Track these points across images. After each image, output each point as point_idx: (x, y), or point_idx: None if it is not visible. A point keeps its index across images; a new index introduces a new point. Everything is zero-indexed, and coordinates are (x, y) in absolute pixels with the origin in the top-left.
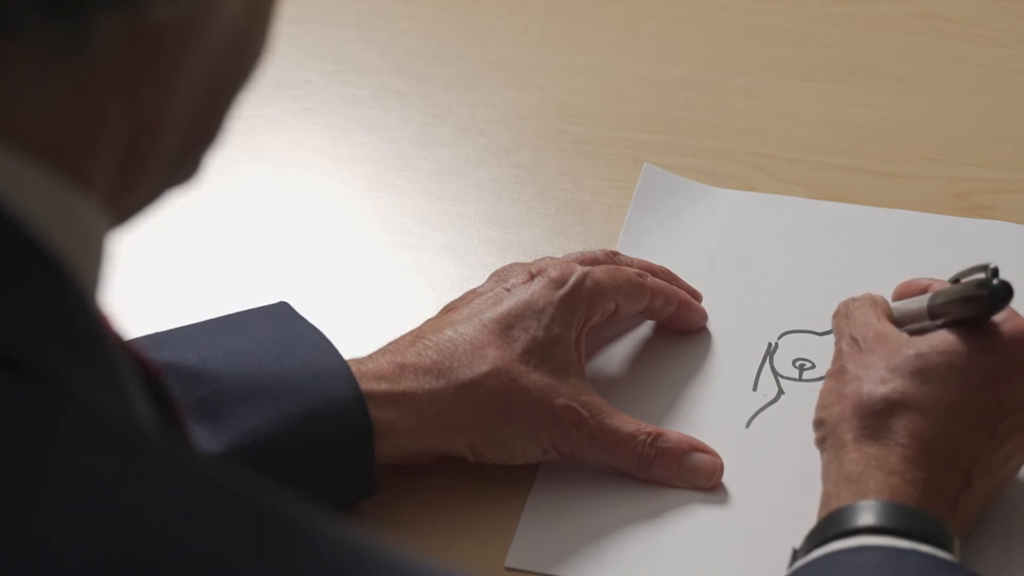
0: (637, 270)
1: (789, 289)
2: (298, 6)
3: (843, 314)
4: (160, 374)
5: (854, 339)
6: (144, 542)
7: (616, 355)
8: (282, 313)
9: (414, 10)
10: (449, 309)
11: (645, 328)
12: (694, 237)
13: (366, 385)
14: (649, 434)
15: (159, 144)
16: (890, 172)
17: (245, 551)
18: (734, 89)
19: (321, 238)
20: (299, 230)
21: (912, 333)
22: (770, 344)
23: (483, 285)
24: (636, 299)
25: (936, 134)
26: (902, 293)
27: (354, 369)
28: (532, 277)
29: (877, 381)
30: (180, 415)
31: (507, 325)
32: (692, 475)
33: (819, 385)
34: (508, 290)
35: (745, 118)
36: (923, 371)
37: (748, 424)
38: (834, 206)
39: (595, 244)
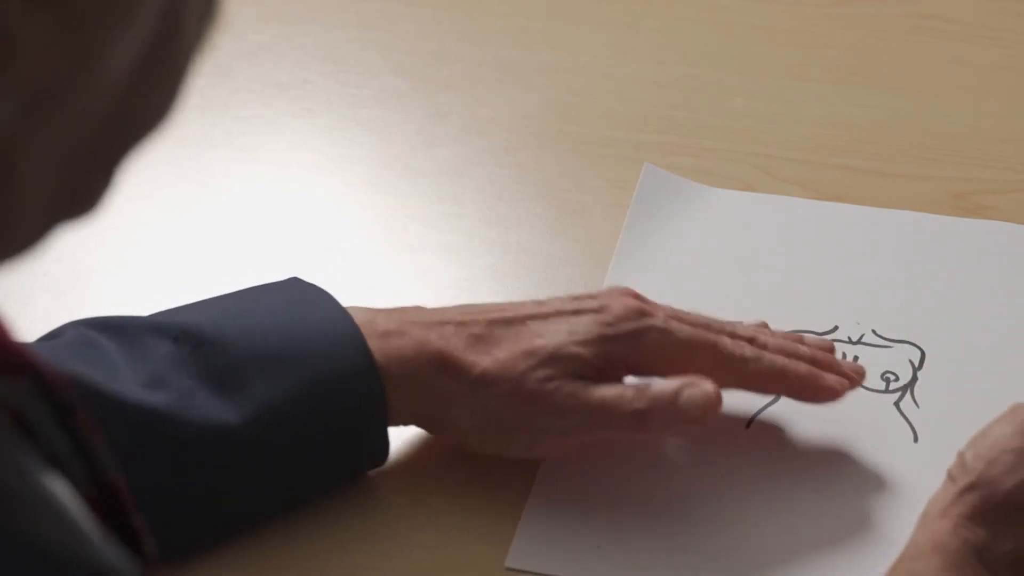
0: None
1: (789, 289)
2: (298, 6)
3: None
4: (63, 386)
5: None
6: None
7: None
8: (293, 283)
9: (414, 10)
10: (514, 314)
11: None
12: (694, 237)
13: (381, 360)
14: (637, 388)
15: (14, 211)
16: (890, 172)
17: None
18: (734, 89)
19: (321, 238)
20: (299, 230)
21: None
22: None
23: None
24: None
25: (936, 134)
26: None
27: (369, 332)
28: (598, 312)
29: None
30: (86, 424)
31: (545, 344)
32: (690, 410)
33: None
34: (577, 307)
35: (745, 118)
36: None
37: (748, 424)
38: (834, 206)
39: (595, 244)
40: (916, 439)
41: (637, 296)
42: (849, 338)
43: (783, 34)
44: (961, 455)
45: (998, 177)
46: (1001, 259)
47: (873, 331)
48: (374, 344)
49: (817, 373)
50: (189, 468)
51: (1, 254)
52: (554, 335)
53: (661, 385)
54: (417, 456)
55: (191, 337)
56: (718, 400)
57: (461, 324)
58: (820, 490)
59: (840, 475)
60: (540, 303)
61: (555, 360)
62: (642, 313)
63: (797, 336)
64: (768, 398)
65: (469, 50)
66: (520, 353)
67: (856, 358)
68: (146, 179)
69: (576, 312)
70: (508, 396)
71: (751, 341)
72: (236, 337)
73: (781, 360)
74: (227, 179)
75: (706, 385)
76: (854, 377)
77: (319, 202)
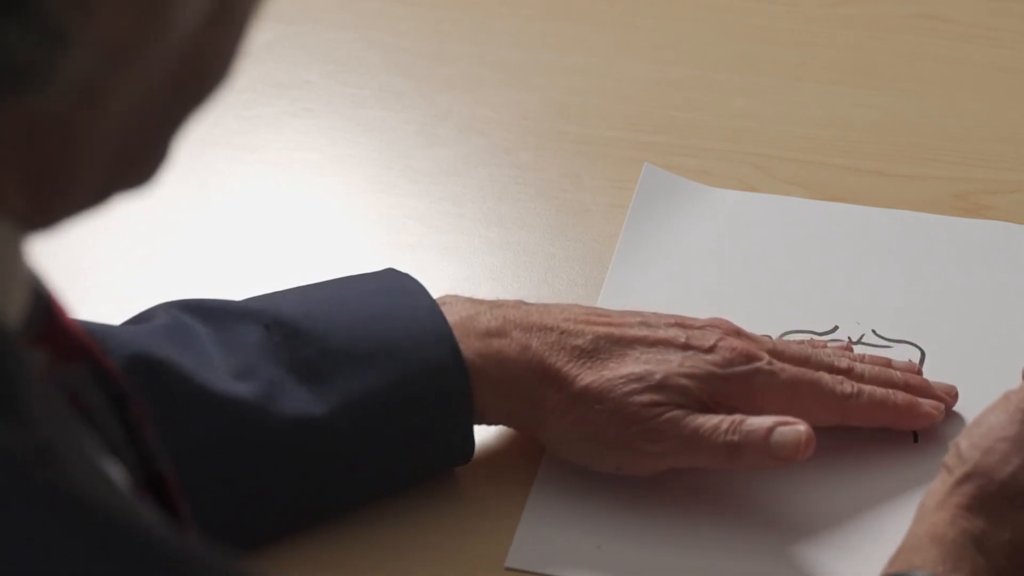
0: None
1: (789, 289)
2: (298, 6)
3: None
4: (119, 375)
5: None
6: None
7: None
8: (388, 274)
9: (414, 10)
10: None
11: None
12: (694, 237)
13: (471, 357)
14: (732, 421)
15: (78, 171)
16: (890, 172)
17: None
18: (734, 89)
19: (321, 238)
20: (299, 230)
21: None
22: None
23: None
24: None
25: (936, 134)
26: None
27: (470, 330)
28: (710, 350)
29: None
30: (141, 418)
31: (647, 365)
32: (778, 451)
33: None
34: (679, 324)
35: (745, 118)
36: None
37: None
38: (834, 206)
39: (595, 244)
40: (916, 439)
41: (740, 332)
42: (849, 338)
43: (783, 34)
44: (956, 445)
45: (998, 177)
46: (1001, 259)
47: (873, 331)
48: (474, 343)
49: (915, 402)
50: (273, 458)
51: (59, 214)
52: (662, 363)
53: (756, 421)
54: None
55: (282, 326)
56: (810, 442)
57: (565, 332)
58: (820, 490)
59: (840, 475)
60: (646, 323)
61: (662, 388)
62: (750, 357)
63: (885, 360)
64: None
65: (469, 50)
66: (627, 376)
67: None
68: None
69: (686, 347)
70: (608, 415)
71: (848, 372)
72: (326, 328)
73: (880, 393)
74: (228, 179)
75: (799, 426)
76: (947, 399)
77: (319, 202)
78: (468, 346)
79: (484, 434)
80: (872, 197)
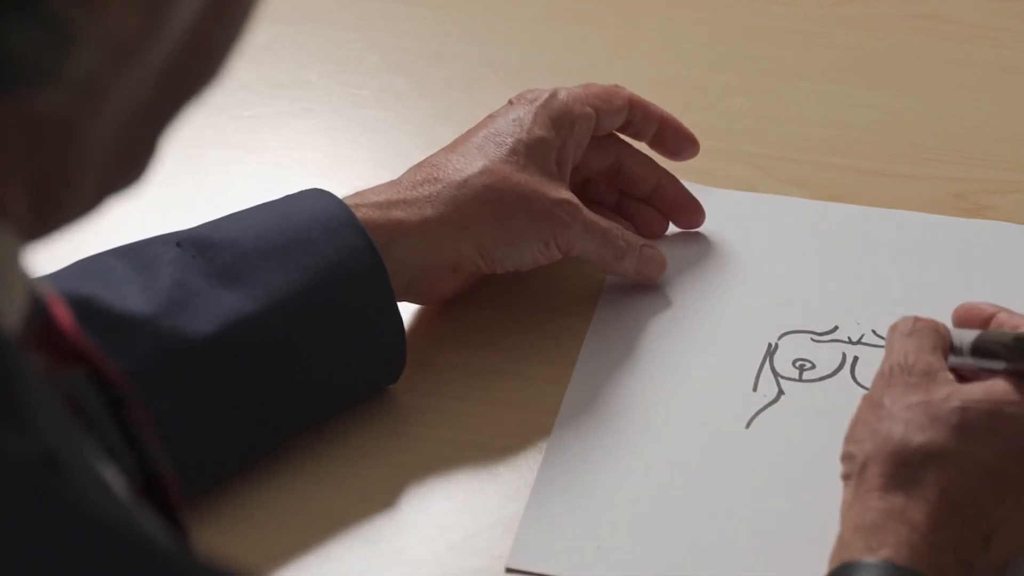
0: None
1: (789, 289)
2: (298, 6)
3: (901, 332)
4: (118, 378)
5: (901, 368)
6: None
7: (615, 355)
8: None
9: (414, 10)
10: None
11: (645, 328)
12: (694, 237)
13: (365, 213)
14: (620, 228)
15: (78, 171)
16: (890, 172)
17: None
18: (734, 89)
19: None
20: None
21: (953, 367)
22: (770, 344)
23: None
24: (613, 104)
25: (936, 134)
26: (962, 317)
27: (355, 204)
28: (512, 104)
29: (916, 428)
30: (140, 420)
31: (493, 138)
32: (644, 265)
33: (819, 386)
34: (491, 117)
35: (745, 118)
36: (964, 426)
37: (748, 424)
38: (834, 206)
39: None
40: None
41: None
42: (849, 338)
43: (783, 34)
44: (843, 456)
45: (998, 177)
46: (1001, 259)
47: (873, 331)
48: (378, 222)
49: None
50: (219, 367)
51: (60, 218)
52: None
53: (634, 235)
54: (415, 457)
55: (193, 241)
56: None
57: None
58: (820, 490)
59: (840, 475)
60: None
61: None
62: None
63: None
64: (768, 398)
65: (469, 50)
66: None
67: (856, 358)
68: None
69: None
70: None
71: None
72: (236, 235)
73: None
74: (227, 180)
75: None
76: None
77: None
78: (372, 227)
79: (482, 435)
80: (872, 197)
